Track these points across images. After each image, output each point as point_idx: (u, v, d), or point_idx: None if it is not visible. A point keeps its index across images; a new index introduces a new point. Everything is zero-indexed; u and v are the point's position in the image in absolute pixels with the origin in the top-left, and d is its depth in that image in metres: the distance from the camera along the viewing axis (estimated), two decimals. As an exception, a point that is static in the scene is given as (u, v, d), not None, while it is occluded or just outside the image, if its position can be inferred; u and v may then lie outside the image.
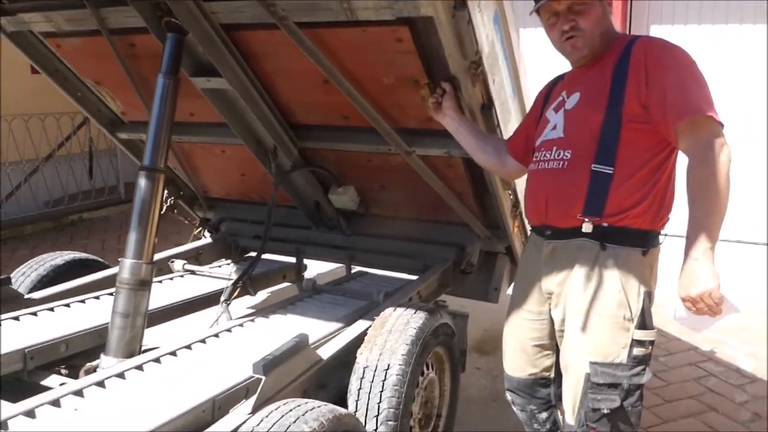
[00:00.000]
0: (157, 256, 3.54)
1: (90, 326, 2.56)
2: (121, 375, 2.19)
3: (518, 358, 2.34)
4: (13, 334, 2.44)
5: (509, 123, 2.83)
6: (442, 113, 2.50)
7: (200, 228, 4.16)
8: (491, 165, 2.58)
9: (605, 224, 1.99)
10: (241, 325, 2.64)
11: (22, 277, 3.07)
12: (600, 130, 1.98)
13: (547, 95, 2.30)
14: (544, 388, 2.34)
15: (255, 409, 1.81)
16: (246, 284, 3.31)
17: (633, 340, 2.00)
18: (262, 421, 1.69)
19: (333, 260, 3.87)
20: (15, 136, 6.39)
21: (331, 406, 1.85)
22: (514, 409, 2.43)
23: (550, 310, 2.20)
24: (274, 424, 1.67)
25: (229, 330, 2.57)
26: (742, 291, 3.05)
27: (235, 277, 3.24)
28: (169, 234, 5.86)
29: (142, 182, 2.44)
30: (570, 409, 2.13)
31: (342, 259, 3.75)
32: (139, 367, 2.25)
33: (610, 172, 1.97)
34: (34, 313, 2.67)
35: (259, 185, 3.71)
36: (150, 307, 2.86)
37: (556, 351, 2.26)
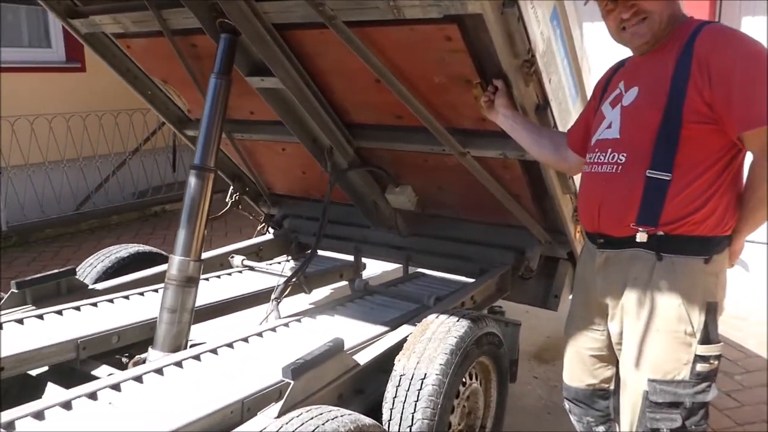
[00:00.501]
0: (219, 251, 3.67)
1: (143, 319, 2.63)
2: (159, 371, 2.22)
3: (577, 368, 2.23)
4: (72, 324, 2.55)
5: (568, 124, 2.68)
6: (494, 111, 2.41)
7: (264, 224, 4.23)
8: (549, 160, 2.46)
9: (661, 233, 1.86)
10: (286, 324, 2.65)
11: (89, 268, 3.20)
12: (657, 131, 1.83)
13: (606, 84, 2.13)
14: (603, 399, 2.23)
15: (281, 414, 1.80)
16: (300, 282, 3.34)
17: (696, 355, 1.86)
18: (282, 426, 1.67)
19: (390, 260, 3.83)
20: (105, 130, 6.73)
21: (356, 415, 1.81)
22: (572, 419, 2.32)
23: (607, 321, 2.08)
24: (295, 430, 1.65)
25: (273, 329, 2.58)
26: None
27: (291, 273, 3.27)
28: (242, 227, 6.02)
29: (192, 181, 2.48)
30: (627, 427, 2.01)
31: (399, 259, 3.71)
32: (179, 364, 2.27)
33: (668, 178, 1.82)
34: (95, 304, 2.78)
35: (320, 183, 3.71)
36: (206, 302, 2.98)
37: (617, 362, 2.13)
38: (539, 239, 3.30)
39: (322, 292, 3.98)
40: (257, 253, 3.86)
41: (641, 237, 1.87)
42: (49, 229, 6.29)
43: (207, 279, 3.32)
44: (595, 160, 2.00)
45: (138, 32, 3.04)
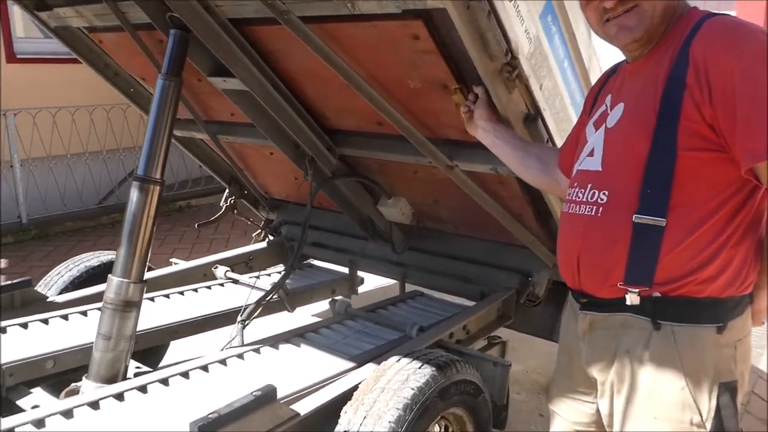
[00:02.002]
0: (202, 261, 3.44)
1: (87, 341, 2.40)
2: (94, 404, 2.01)
3: None
4: (7, 344, 2.35)
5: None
6: (473, 124, 2.05)
7: (261, 230, 3.98)
8: (537, 181, 2.04)
9: (657, 294, 1.45)
10: (240, 356, 2.37)
11: (56, 277, 3.02)
12: (645, 162, 1.42)
13: (597, 95, 1.72)
14: None
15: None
16: (283, 299, 3.07)
17: None
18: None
19: (387, 276, 3.52)
20: (129, 123, 6.63)
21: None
22: None
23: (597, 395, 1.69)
24: None
25: (223, 362, 2.31)
26: None
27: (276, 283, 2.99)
28: (249, 230, 5.81)
29: (134, 194, 2.23)
30: None
31: (396, 275, 3.39)
32: (119, 396, 2.06)
33: (661, 224, 1.41)
34: (45, 321, 2.58)
35: (312, 185, 3.43)
36: (172, 320, 2.74)
37: None
38: (547, 262, 2.92)
39: (308, 310, 3.68)
40: (246, 263, 3.61)
41: (632, 299, 1.46)
42: (69, 222, 6.25)
43: (182, 293, 3.09)
44: (573, 198, 1.59)
45: (106, 26, 2.81)
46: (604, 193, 1.50)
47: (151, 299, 2.93)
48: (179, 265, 3.37)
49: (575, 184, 1.61)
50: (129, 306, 2.21)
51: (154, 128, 2.25)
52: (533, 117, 2.11)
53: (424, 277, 3.30)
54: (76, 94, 6.24)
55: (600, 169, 1.54)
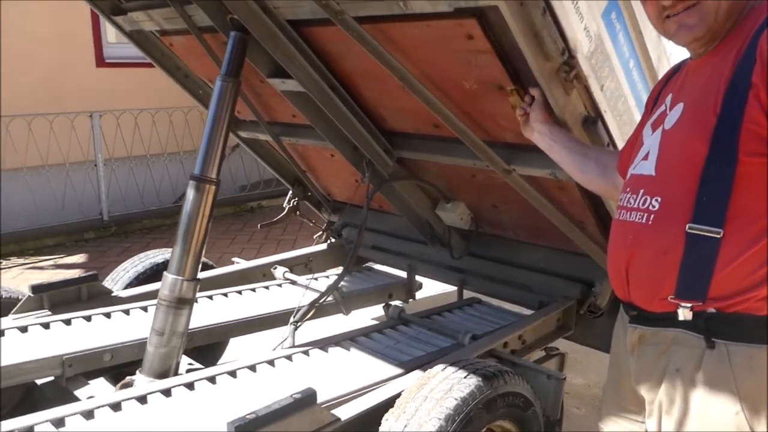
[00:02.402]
0: (261, 261, 3.48)
1: (145, 336, 2.47)
2: (143, 398, 2.06)
3: None
4: (67, 337, 2.44)
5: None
6: (528, 128, 1.97)
7: (323, 232, 3.99)
8: (596, 187, 1.92)
9: (712, 310, 1.33)
10: (288, 357, 2.38)
11: (123, 273, 3.12)
12: (702, 168, 1.31)
13: (658, 95, 1.60)
14: None
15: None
16: (338, 302, 3.07)
17: None
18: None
19: (445, 281, 3.45)
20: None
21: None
22: None
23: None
24: None
25: (271, 363, 2.32)
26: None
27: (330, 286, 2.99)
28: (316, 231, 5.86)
29: (190, 193, 2.27)
30: None
31: (455, 281, 3.32)
32: (167, 392, 2.11)
33: (718, 235, 1.29)
34: (107, 315, 2.67)
35: (370, 187, 3.42)
36: (230, 318, 2.78)
37: None
38: (611, 272, 2.78)
39: (364, 314, 3.65)
40: (306, 265, 3.63)
41: (684, 314, 1.35)
42: (146, 220, 6.50)
43: (240, 292, 3.13)
44: (625, 204, 1.49)
45: (175, 29, 2.90)
46: (656, 200, 1.40)
47: (210, 297, 2.99)
48: (240, 264, 3.42)
49: (628, 189, 1.51)
50: (182, 303, 2.25)
51: (211, 129, 2.29)
52: (593, 119, 2.01)
53: (482, 284, 3.22)
54: (157, 96, 6.50)
55: (653, 173, 1.43)
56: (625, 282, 1.47)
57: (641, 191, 1.44)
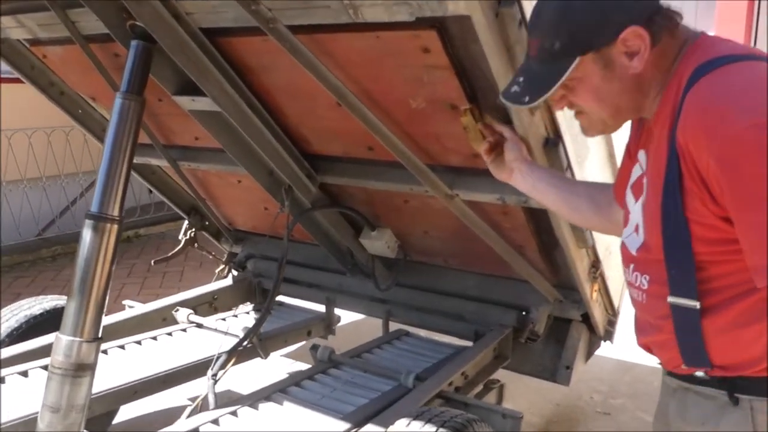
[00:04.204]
0: (160, 303, 3.06)
1: (31, 412, 2.01)
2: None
3: None
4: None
5: (585, 161, 2.08)
6: (505, 169, 1.72)
7: (224, 265, 3.62)
8: (592, 225, 1.81)
9: (725, 375, 1.24)
10: (215, 421, 2.03)
11: (-8, 328, 2.60)
12: (663, 245, 1.21)
13: (638, 132, 1.41)
14: None
15: None
16: (255, 344, 2.73)
17: None
18: None
19: (369, 314, 3.22)
20: (72, 147, 6.15)
21: None
22: None
23: None
24: None
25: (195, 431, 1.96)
26: None
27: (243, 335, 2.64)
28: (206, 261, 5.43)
29: (87, 234, 1.87)
30: None
31: (379, 313, 3.10)
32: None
33: (695, 306, 1.19)
34: (-27, 386, 2.17)
35: (287, 220, 3.12)
36: (135, 376, 2.37)
37: None
38: (547, 297, 2.68)
39: (283, 354, 3.35)
40: (211, 304, 3.24)
41: (701, 374, 1.27)
42: (5, 257, 5.70)
43: (139, 342, 2.71)
44: (626, 277, 1.40)
45: (51, 38, 2.46)
46: (644, 278, 1.31)
47: (104, 352, 2.55)
48: (134, 308, 2.99)
49: (624, 261, 1.40)
50: (81, 369, 1.84)
51: (111, 156, 1.91)
52: (554, 141, 1.87)
53: (410, 315, 3.02)
54: (13, 115, 5.74)
55: (635, 253, 1.32)
56: (648, 350, 1.40)
57: (631, 266, 1.35)
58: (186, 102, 2.20)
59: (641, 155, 1.35)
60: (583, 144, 2.04)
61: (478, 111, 1.84)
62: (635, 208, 1.33)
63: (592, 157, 2.16)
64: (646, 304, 1.31)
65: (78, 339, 1.84)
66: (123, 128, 1.92)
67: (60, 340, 1.85)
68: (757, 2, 4.56)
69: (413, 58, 1.73)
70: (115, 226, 1.90)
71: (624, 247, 1.37)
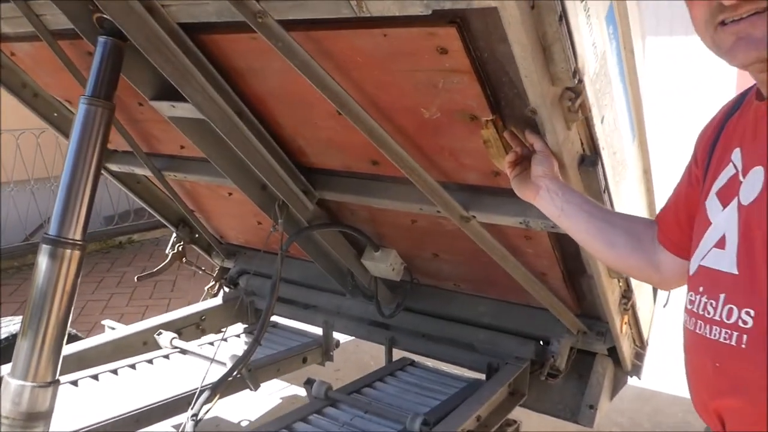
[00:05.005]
0: (142, 326, 2.80)
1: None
2: None
3: None
4: None
5: (621, 183, 1.81)
6: (531, 186, 1.48)
7: (215, 282, 3.35)
8: (628, 266, 1.45)
9: None
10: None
11: (-51, 357, 2.33)
12: None
13: (714, 142, 1.16)
14: None
15: None
16: (244, 376, 2.46)
17: None
18: None
19: (370, 339, 2.94)
20: (62, 149, 5.87)
21: None
22: None
23: None
24: None
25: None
26: None
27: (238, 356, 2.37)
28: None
29: (43, 261, 1.60)
30: None
31: (381, 339, 2.82)
32: None
33: None
34: None
35: (281, 235, 2.85)
36: (106, 414, 2.10)
37: None
38: (570, 328, 2.40)
39: (275, 386, 3.07)
40: (198, 325, 2.97)
41: None
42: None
43: (115, 371, 2.44)
44: (698, 310, 1.05)
45: (18, 34, 2.19)
46: (747, 313, 0.96)
47: (74, 383, 2.28)
48: (114, 331, 2.72)
49: (699, 289, 1.06)
50: (34, 420, 1.57)
51: (73, 171, 1.64)
52: (591, 160, 1.59)
53: (416, 343, 2.74)
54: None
55: (735, 271, 1.00)
56: (718, 423, 1.04)
57: (721, 296, 1.01)
58: (165, 108, 1.93)
59: (735, 154, 1.06)
60: (621, 164, 1.76)
61: (502, 123, 1.58)
62: (722, 216, 1.04)
63: (629, 178, 1.88)
64: (747, 352, 0.96)
65: (29, 384, 1.57)
66: (88, 138, 1.66)
67: (8, 385, 1.58)
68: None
69: (428, 60, 1.46)
70: (77, 252, 1.63)
71: (705, 269, 1.06)
